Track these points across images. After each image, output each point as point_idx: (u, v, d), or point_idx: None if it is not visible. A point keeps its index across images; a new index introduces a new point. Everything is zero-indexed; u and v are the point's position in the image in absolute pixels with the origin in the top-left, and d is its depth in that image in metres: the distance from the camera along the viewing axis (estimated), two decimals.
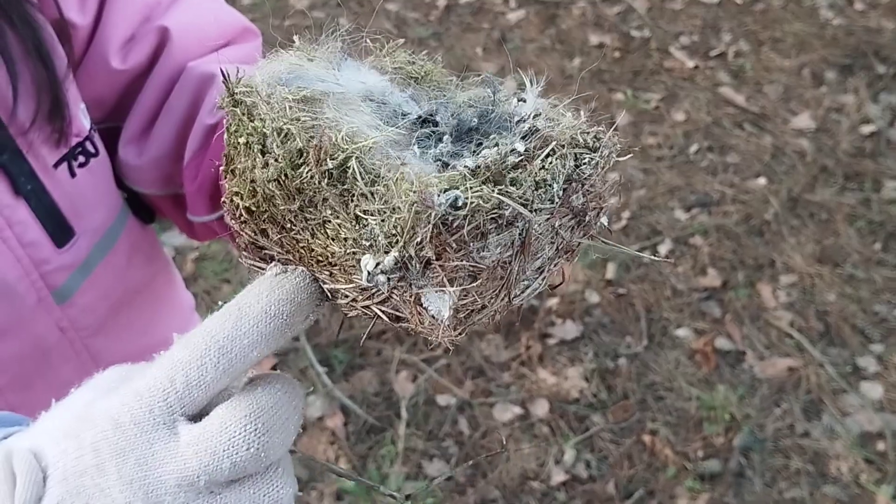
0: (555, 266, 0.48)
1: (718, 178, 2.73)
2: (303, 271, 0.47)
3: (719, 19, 3.40)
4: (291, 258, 0.48)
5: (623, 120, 2.92)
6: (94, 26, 0.77)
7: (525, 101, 0.48)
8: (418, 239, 0.40)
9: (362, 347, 2.31)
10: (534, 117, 0.46)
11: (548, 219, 0.44)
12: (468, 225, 0.40)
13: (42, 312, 0.74)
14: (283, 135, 0.44)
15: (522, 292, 0.47)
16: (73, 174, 0.74)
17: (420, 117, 0.47)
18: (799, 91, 3.03)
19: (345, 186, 0.42)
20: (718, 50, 3.26)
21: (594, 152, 0.46)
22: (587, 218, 0.47)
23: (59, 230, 0.73)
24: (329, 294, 0.48)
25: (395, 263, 0.42)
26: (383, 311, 0.46)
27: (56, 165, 0.73)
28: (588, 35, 3.38)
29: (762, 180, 2.71)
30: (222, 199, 0.51)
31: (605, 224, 0.49)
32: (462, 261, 0.41)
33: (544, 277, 0.47)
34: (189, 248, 2.56)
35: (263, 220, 0.48)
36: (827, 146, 2.81)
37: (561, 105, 0.48)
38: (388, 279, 0.43)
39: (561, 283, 0.49)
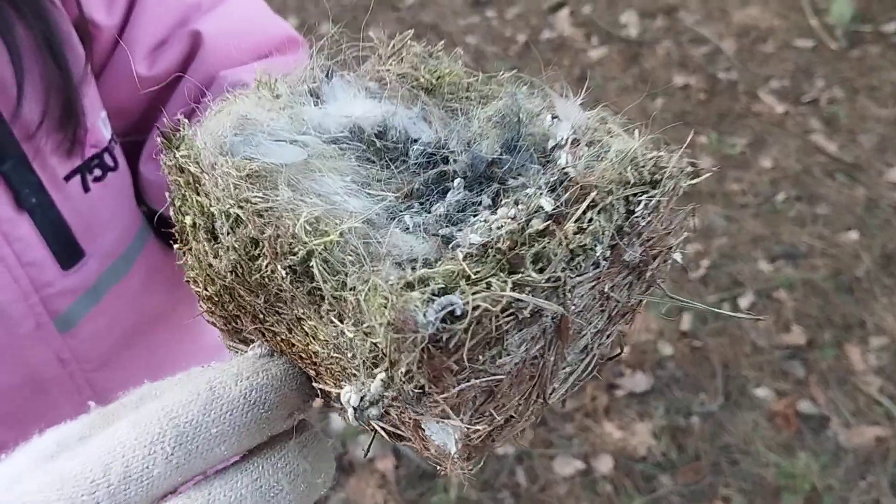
0: (608, 338, 0.37)
1: (807, 229, 2.58)
2: (290, 359, 0.38)
3: (812, 64, 3.25)
4: (274, 347, 0.38)
5: (706, 164, 2.78)
6: (122, 28, 0.70)
7: (560, 120, 0.37)
8: (403, 369, 0.30)
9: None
10: (571, 142, 0.36)
11: (593, 286, 0.33)
12: (472, 339, 0.29)
13: (40, 341, 0.66)
14: (231, 220, 0.34)
15: (563, 384, 0.36)
16: (86, 189, 0.67)
17: (426, 152, 0.36)
18: (895, 142, 2.86)
19: (312, 285, 0.33)
20: (810, 96, 3.10)
21: (654, 188, 0.34)
22: (649, 270, 0.36)
23: (66, 250, 0.66)
24: (320, 393, 0.38)
25: (385, 388, 0.32)
26: (382, 428, 0.36)
27: (67, 178, 0.66)
28: (672, 75, 3.26)
29: (854, 234, 2.54)
30: (184, 278, 0.41)
31: (679, 261, 0.37)
32: (469, 381, 0.31)
33: (594, 356, 0.36)
34: None
35: (232, 308, 0.39)
36: None
37: (610, 119, 0.37)
38: (382, 407, 0.32)
39: (618, 355, 0.38)
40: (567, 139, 0.35)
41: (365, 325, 0.30)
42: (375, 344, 0.30)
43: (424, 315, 0.29)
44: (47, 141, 0.63)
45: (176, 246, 0.40)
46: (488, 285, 0.30)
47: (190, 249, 0.38)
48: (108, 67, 0.71)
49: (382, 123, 0.37)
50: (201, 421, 0.34)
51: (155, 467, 0.34)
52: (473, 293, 0.29)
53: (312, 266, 0.31)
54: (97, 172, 0.68)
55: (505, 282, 0.30)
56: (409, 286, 0.29)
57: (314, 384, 0.37)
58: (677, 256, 0.38)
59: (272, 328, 0.37)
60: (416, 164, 0.35)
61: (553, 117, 0.36)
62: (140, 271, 0.74)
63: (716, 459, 2.04)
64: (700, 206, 2.66)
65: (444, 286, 0.29)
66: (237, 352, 0.40)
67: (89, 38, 0.67)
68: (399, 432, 0.35)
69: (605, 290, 0.33)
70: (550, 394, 0.34)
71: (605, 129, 0.36)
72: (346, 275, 0.31)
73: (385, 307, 0.29)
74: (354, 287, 0.31)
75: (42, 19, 0.62)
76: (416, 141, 0.36)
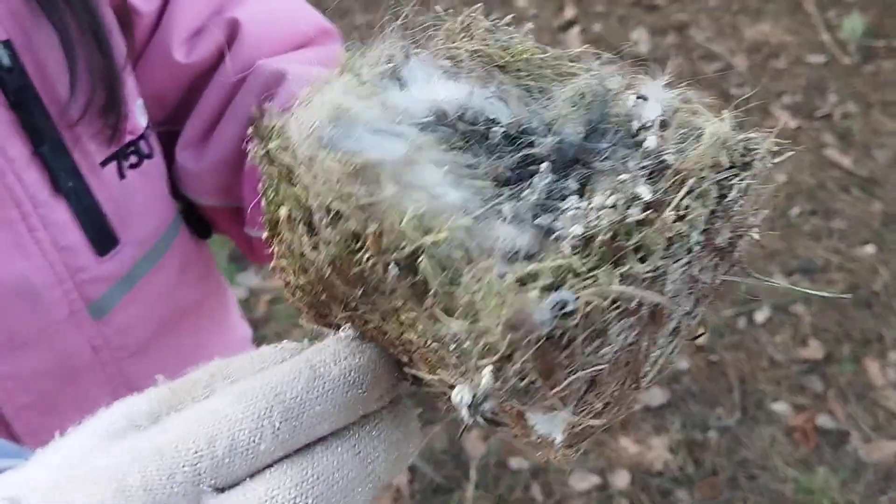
0: (694, 319, 0.36)
1: (822, 243, 2.56)
2: (381, 345, 0.38)
3: (825, 79, 3.25)
4: (364, 334, 0.38)
5: None
6: (160, 15, 0.70)
7: (646, 99, 0.37)
8: (517, 366, 0.30)
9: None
10: (660, 125, 0.35)
11: (684, 271, 0.33)
12: (583, 332, 0.30)
13: (73, 327, 0.66)
14: (332, 214, 0.34)
15: (653, 367, 0.36)
16: (122, 175, 0.67)
17: (507, 135, 0.36)
18: None
19: (417, 279, 0.33)
20: (824, 111, 3.10)
21: (745, 170, 0.34)
22: (735, 251, 0.36)
23: (101, 236, 0.66)
24: (410, 377, 0.38)
25: (496, 381, 0.32)
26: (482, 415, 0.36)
27: (104, 164, 0.66)
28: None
29: (870, 248, 2.53)
30: (271, 264, 0.41)
31: (757, 238, 0.37)
32: (577, 373, 0.31)
33: (680, 338, 0.36)
34: (263, 290, 2.50)
35: (323, 297, 0.38)
36: None
37: (695, 98, 0.36)
38: (493, 401, 0.32)
39: (701, 335, 0.37)
40: (655, 121, 0.34)
41: (479, 324, 0.30)
42: (488, 343, 0.30)
43: (540, 313, 0.29)
44: (88, 128, 0.63)
45: (265, 235, 0.39)
46: (595, 279, 0.30)
47: (281, 239, 0.38)
48: (145, 54, 0.71)
49: (462, 105, 0.36)
50: (305, 398, 0.35)
51: (262, 441, 0.34)
52: (584, 288, 0.29)
53: (420, 262, 0.31)
54: (133, 159, 0.68)
55: (611, 275, 0.30)
56: (522, 282, 0.29)
57: (405, 369, 0.37)
58: (756, 235, 0.38)
59: (364, 316, 0.37)
60: (498, 146, 0.35)
61: (638, 97, 0.36)
62: (173, 261, 0.74)
63: (733, 474, 2.02)
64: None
65: (553, 280, 0.29)
66: (324, 332, 0.40)
67: (130, 26, 0.68)
68: (496, 419, 0.34)
69: (695, 273, 0.33)
70: (642, 377, 0.34)
71: (691, 110, 0.35)
72: (457, 271, 0.31)
73: (502, 306, 0.29)
74: (468, 285, 0.30)
75: (88, 7, 0.62)
76: (493, 121, 0.36)
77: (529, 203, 0.32)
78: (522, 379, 0.30)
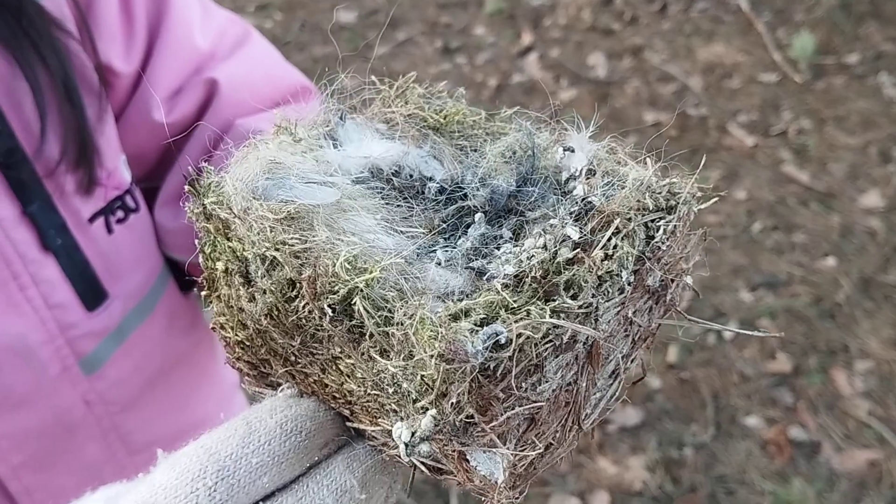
0: (632, 362, 0.38)
1: (785, 257, 2.61)
2: (322, 399, 0.39)
3: (778, 97, 3.32)
4: (304, 389, 0.39)
5: None
6: (140, 75, 0.71)
7: (573, 151, 0.38)
8: (453, 399, 0.31)
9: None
10: (587, 174, 0.37)
11: (618, 311, 0.34)
12: (517, 365, 0.30)
13: (66, 383, 0.67)
14: (267, 263, 0.34)
15: (594, 409, 0.37)
16: (109, 230, 0.68)
17: (442, 189, 0.37)
18: (866, 169, 2.92)
19: (352, 322, 0.33)
20: (779, 128, 3.16)
21: (670, 213, 0.36)
22: (668, 293, 0.37)
23: (91, 291, 0.67)
24: (353, 431, 0.39)
25: (436, 425, 0.32)
26: (423, 463, 0.36)
27: (92, 220, 0.67)
28: (643, 113, 3.32)
29: (831, 260, 2.58)
30: (210, 324, 0.42)
31: (690, 285, 0.39)
32: (514, 408, 0.32)
33: (620, 380, 0.38)
34: None
35: (262, 352, 0.39)
36: None
37: (620, 149, 0.38)
38: (432, 444, 0.33)
39: (642, 378, 0.39)
40: (582, 170, 0.36)
41: (414, 359, 0.31)
42: (423, 377, 0.31)
43: (473, 345, 0.29)
44: (68, 180, 0.64)
45: (203, 293, 0.40)
46: (528, 313, 0.31)
47: (219, 296, 0.39)
48: (125, 113, 0.72)
49: (397, 163, 0.38)
50: (241, 454, 0.35)
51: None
52: (516, 321, 0.30)
53: (355, 303, 0.32)
54: (120, 214, 0.69)
55: (543, 309, 0.31)
56: (455, 318, 0.30)
57: (348, 423, 0.38)
58: (689, 280, 0.39)
59: (304, 370, 0.37)
60: (433, 200, 0.37)
61: (565, 149, 0.38)
62: (162, 313, 0.75)
63: (712, 490, 2.04)
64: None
65: (485, 316, 0.30)
66: (265, 396, 0.41)
67: (107, 85, 0.69)
68: (440, 466, 0.35)
69: (629, 314, 0.35)
70: (584, 419, 0.35)
71: (616, 159, 0.37)
72: (390, 310, 0.32)
73: (435, 339, 0.30)
74: (401, 322, 0.31)
75: (60, 62, 0.63)
76: (430, 178, 0.37)
77: (464, 249, 0.34)
78: (460, 413, 0.31)
